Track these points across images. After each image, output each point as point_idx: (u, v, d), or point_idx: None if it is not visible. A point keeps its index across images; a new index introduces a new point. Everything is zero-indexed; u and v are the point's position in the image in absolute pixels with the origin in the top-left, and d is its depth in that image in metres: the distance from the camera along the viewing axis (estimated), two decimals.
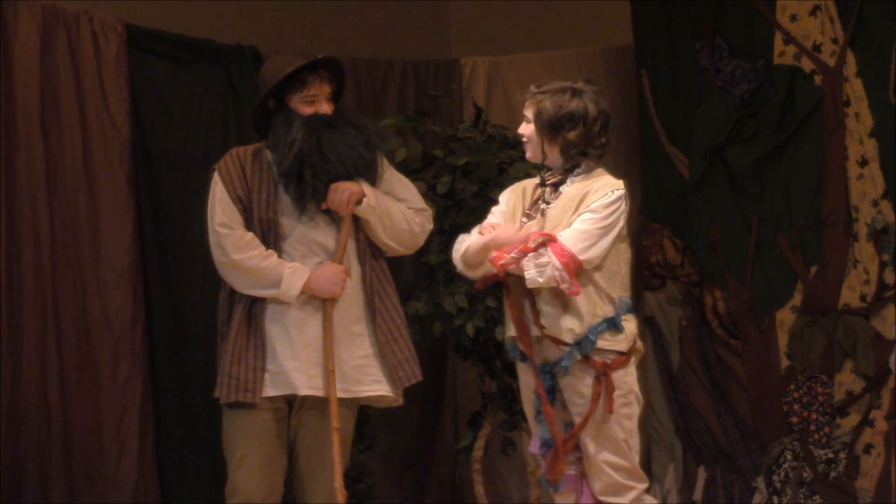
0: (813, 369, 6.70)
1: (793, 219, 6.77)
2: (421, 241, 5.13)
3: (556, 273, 4.54)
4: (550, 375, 4.72)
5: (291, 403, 4.94)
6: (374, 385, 4.95)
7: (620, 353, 4.68)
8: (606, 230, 4.63)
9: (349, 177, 4.90)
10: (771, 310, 6.84)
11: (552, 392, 4.73)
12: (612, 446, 4.68)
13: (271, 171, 4.93)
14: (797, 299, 6.76)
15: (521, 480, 7.48)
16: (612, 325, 4.66)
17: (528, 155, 4.81)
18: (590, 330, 4.63)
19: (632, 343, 4.71)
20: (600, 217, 4.62)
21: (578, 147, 4.70)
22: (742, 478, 6.88)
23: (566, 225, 4.64)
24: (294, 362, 4.84)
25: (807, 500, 6.65)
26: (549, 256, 4.55)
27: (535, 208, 4.79)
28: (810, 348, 6.71)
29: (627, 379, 4.71)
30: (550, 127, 4.69)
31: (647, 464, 7.18)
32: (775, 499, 6.73)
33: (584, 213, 4.63)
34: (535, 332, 4.69)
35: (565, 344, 4.64)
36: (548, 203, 4.75)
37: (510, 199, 4.88)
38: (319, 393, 4.85)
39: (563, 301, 4.64)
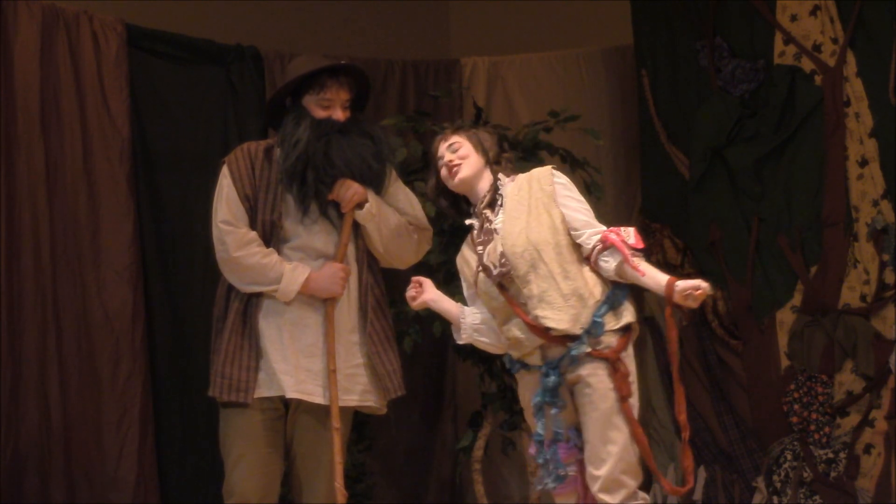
0: (813, 369, 6.70)
1: (793, 219, 6.78)
2: (416, 258, 5.12)
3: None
4: (556, 371, 4.71)
5: (288, 404, 4.93)
6: (363, 395, 4.93)
7: (622, 335, 4.68)
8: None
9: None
10: (771, 310, 6.84)
11: (555, 391, 4.72)
12: (616, 435, 4.67)
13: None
14: (797, 299, 6.76)
15: (521, 480, 7.48)
16: (613, 303, 4.69)
17: (466, 174, 4.84)
18: (595, 313, 4.64)
19: (633, 318, 4.73)
20: (578, 199, 4.75)
21: (511, 163, 4.94)
22: (742, 478, 6.88)
23: (525, 224, 4.67)
24: (284, 365, 4.82)
25: (807, 500, 6.65)
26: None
27: (483, 233, 4.80)
28: (810, 348, 6.71)
29: (628, 362, 4.73)
30: (496, 151, 4.91)
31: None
32: (775, 499, 6.73)
33: (566, 205, 4.72)
34: (537, 341, 4.70)
35: (572, 338, 4.65)
36: (492, 221, 4.79)
37: (462, 269, 4.93)
38: (306, 397, 4.83)
39: (556, 295, 4.65)
